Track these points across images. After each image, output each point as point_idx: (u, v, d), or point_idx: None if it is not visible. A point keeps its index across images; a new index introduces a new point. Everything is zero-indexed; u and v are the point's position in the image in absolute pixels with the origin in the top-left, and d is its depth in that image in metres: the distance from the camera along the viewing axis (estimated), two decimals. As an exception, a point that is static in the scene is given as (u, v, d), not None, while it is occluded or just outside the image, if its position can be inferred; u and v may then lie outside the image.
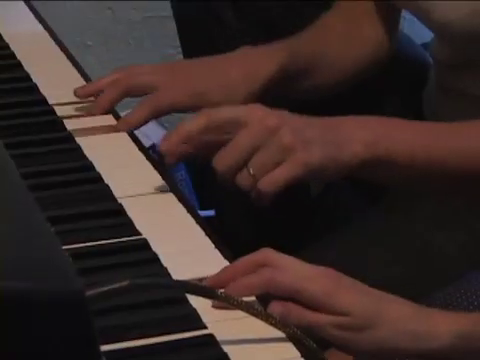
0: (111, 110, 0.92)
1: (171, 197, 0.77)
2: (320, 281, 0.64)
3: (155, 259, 0.67)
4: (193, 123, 0.77)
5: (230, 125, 0.76)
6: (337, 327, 0.62)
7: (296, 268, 0.65)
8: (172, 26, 1.21)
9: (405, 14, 1.14)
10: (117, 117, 0.91)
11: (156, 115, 0.94)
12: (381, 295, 0.66)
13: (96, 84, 0.96)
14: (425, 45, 1.26)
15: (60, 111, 0.90)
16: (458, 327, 0.66)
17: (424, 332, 0.65)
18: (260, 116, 0.75)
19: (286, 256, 0.66)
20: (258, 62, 0.96)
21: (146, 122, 0.93)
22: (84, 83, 0.96)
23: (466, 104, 1.07)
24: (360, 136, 0.78)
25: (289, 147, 0.74)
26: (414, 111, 1.15)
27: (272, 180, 0.74)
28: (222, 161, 0.75)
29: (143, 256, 0.68)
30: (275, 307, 0.62)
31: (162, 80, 0.95)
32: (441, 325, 0.65)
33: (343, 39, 1.06)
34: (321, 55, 1.02)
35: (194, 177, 1.33)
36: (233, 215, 1.16)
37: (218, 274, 0.65)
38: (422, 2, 0.99)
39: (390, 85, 1.17)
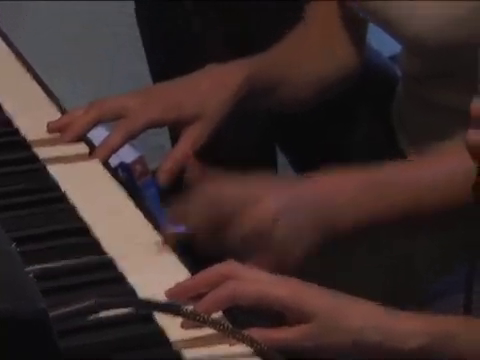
0: (83, 137, 0.93)
1: (139, 216, 0.77)
2: (285, 286, 0.65)
3: (121, 278, 0.67)
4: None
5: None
6: (304, 338, 0.63)
7: (260, 277, 0.66)
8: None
9: (371, 26, 1.17)
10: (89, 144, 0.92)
11: (132, 136, 0.95)
12: (349, 297, 0.66)
13: (69, 116, 0.97)
14: (393, 58, 1.28)
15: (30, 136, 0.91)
16: (433, 328, 0.66)
17: (397, 331, 0.65)
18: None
19: (249, 267, 0.67)
20: (226, 74, 0.98)
21: (122, 145, 0.94)
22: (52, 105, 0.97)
23: (437, 116, 1.09)
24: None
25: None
26: (384, 125, 1.18)
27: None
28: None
29: (109, 275, 0.68)
30: None
31: (134, 101, 0.97)
32: (416, 325, 0.66)
33: (314, 52, 1.09)
34: (291, 69, 1.05)
35: (164, 195, 1.34)
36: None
37: (180, 285, 0.65)
38: (392, 16, 1.02)
39: (359, 99, 1.20)
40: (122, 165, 1.31)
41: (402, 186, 0.83)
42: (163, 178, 0.95)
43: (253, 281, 0.64)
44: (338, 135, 1.18)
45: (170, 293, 0.65)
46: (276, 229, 0.77)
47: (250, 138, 1.19)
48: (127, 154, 1.34)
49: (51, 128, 0.94)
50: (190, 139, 0.95)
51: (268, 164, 1.21)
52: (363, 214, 0.81)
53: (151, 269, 0.70)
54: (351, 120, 1.19)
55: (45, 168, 0.82)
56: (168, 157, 0.95)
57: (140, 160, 1.39)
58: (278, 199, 0.79)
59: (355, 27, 1.12)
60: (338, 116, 1.16)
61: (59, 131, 0.95)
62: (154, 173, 1.30)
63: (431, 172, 0.84)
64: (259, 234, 0.76)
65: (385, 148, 1.16)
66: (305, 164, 1.19)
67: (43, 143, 0.89)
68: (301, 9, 1.12)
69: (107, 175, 0.84)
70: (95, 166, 0.86)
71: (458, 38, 0.97)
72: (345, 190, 0.82)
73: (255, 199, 0.78)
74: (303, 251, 0.78)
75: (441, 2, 0.96)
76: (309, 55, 1.09)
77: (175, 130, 1.04)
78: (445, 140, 1.06)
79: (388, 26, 1.05)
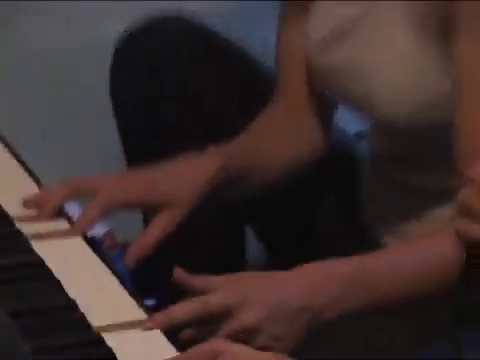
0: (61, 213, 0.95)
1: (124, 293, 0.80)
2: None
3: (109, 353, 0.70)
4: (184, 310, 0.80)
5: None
6: None
7: (248, 354, 0.69)
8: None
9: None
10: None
11: (106, 214, 0.98)
12: None
13: (45, 191, 1.00)
14: (358, 134, 1.32)
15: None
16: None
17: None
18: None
19: (238, 344, 0.69)
20: (200, 165, 1.04)
21: (96, 222, 0.98)
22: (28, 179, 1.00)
23: (406, 195, 1.13)
24: None
25: None
26: (350, 203, 1.22)
27: None
28: None
29: (97, 350, 0.70)
30: None
31: (110, 181, 1.01)
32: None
33: (282, 134, 1.14)
34: (262, 155, 1.11)
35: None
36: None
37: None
38: (363, 98, 1.07)
39: (325, 178, 1.25)
40: (92, 239, 1.36)
41: (392, 275, 0.87)
42: (130, 262, 0.99)
43: (242, 358, 0.67)
44: (306, 214, 1.23)
45: None
46: (258, 337, 0.80)
47: (220, 221, 1.23)
48: (97, 228, 1.39)
49: (27, 203, 0.97)
50: (161, 225, 0.99)
51: (237, 247, 1.25)
52: (351, 305, 0.84)
53: (138, 345, 0.73)
54: (318, 199, 1.24)
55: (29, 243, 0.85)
56: (137, 242, 0.99)
57: (109, 234, 1.43)
58: (261, 309, 0.81)
59: (324, 107, 1.17)
60: (305, 195, 1.22)
61: (35, 207, 0.98)
62: (123, 246, 1.33)
63: (420, 257, 0.89)
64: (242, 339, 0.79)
65: (352, 226, 1.21)
66: (275, 243, 1.24)
67: (23, 219, 0.92)
68: (269, 92, 1.19)
69: (89, 251, 0.87)
70: (77, 242, 0.89)
71: (428, 120, 1.04)
72: (332, 284, 0.85)
73: (239, 307, 0.80)
74: (285, 350, 0.81)
75: (411, 86, 1.04)
76: (278, 138, 1.15)
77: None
78: (417, 221, 1.11)
79: (359, 107, 1.11)
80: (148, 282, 1.29)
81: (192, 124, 1.20)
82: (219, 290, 0.81)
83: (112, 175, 1.06)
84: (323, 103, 1.17)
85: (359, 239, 1.22)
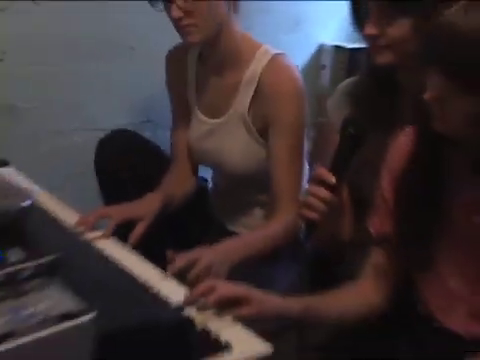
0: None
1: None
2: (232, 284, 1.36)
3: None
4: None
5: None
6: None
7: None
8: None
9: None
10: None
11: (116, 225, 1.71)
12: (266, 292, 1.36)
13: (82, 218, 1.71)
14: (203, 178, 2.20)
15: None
16: (303, 303, 1.37)
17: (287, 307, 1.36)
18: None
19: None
20: (151, 199, 1.85)
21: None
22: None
23: (236, 204, 2.10)
24: None
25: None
26: (207, 211, 2.20)
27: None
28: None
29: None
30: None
31: (112, 210, 1.79)
32: (293, 303, 1.36)
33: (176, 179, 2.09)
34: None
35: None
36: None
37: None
38: (218, 164, 1.97)
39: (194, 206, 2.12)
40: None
41: (253, 242, 1.74)
42: (133, 243, 1.66)
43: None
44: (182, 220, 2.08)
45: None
46: (212, 271, 1.51)
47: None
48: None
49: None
50: (140, 228, 1.75)
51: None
52: (243, 254, 1.67)
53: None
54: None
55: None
56: (131, 235, 1.71)
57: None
58: (209, 256, 1.52)
59: (196, 167, 2.11)
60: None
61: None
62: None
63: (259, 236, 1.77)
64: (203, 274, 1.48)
65: (209, 221, 2.12)
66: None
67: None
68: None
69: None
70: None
71: (252, 175, 1.92)
72: (236, 247, 1.68)
73: (199, 258, 1.50)
74: (225, 275, 1.55)
75: (244, 160, 1.92)
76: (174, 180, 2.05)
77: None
78: (244, 217, 2.04)
79: (214, 167, 2.06)
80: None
81: (136, 185, 1.98)
82: (193, 252, 1.51)
83: (114, 207, 1.80)
84: (195, 165, 2.04)
85: (213, 228, 2.11)
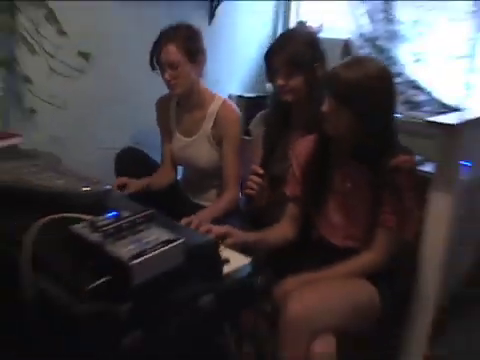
0: None
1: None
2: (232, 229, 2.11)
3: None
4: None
5: None
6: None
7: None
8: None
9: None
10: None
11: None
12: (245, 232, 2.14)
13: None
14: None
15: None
16: (257, 235, 2.15)
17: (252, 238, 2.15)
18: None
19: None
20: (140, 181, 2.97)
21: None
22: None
23: (197, 186, 3.03)
24: None
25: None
26: (180, 192, 3.23)
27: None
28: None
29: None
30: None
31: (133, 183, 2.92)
32: (252, 235, 2.14)
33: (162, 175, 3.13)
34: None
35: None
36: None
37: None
38: (191, 165, 2.93)
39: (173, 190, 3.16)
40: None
41: (216, 210, 2.72)
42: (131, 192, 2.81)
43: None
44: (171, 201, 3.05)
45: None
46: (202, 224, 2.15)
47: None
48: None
49: None
50: (132, 188, 2.87)
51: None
52: (211, 216, 2.64)
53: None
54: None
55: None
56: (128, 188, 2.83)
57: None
58: (199, 218, 2.14)
59: (175, 166, 2.99)
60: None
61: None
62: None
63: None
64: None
65: (180, 197, 3.07)
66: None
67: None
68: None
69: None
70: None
71: (211, 169, 2.95)
72: (209, 213, 2.66)
73: (194, 218, 2.27)
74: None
75: (208, 162, 2.90)
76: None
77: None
78: (203, 193, 2.96)
79: (188, 166, 3.03)
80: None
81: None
82: (190, 218, 2.13)
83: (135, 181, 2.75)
84: (175, 166, 3.01)
85: (182, 200, 2.99)
